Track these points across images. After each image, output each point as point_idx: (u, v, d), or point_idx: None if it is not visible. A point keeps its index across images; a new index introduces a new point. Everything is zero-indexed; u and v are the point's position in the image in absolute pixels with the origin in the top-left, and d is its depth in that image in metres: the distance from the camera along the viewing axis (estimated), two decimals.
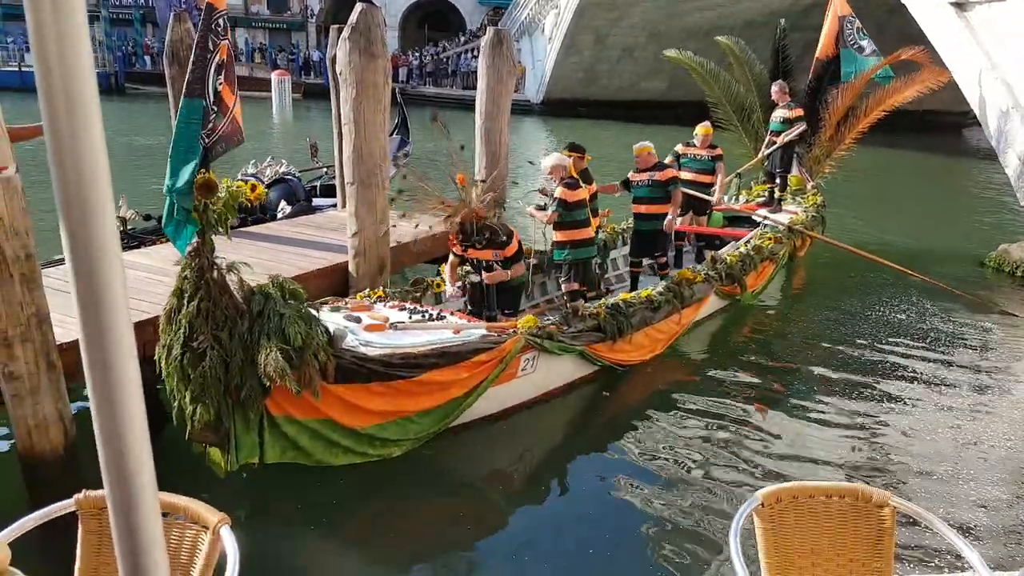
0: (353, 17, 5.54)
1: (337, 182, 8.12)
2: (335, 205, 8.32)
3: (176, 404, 3.75)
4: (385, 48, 5.70)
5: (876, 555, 2.22)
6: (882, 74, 9.94)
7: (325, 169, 9.96)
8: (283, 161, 9.33)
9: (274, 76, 30.82)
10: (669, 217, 6.80)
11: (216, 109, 3.61)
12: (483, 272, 5.42)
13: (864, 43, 9.89)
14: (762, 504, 2.11)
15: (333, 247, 6.50)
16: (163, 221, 3.62)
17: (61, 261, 6.14)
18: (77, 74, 0.61)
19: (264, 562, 3.51)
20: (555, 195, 5.93)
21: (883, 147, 21.33)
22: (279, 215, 8.39)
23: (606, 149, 15.95)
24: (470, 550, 3.96)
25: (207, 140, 3.56)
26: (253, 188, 3.68)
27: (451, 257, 5.71)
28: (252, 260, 6.16)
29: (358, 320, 4.48)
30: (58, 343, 3.84)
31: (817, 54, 10.28)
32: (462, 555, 3.92)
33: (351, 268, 6.04)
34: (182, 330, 3.58)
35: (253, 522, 3.96)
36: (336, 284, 6.10)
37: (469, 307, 5.68)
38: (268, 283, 3.85)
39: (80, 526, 2.06)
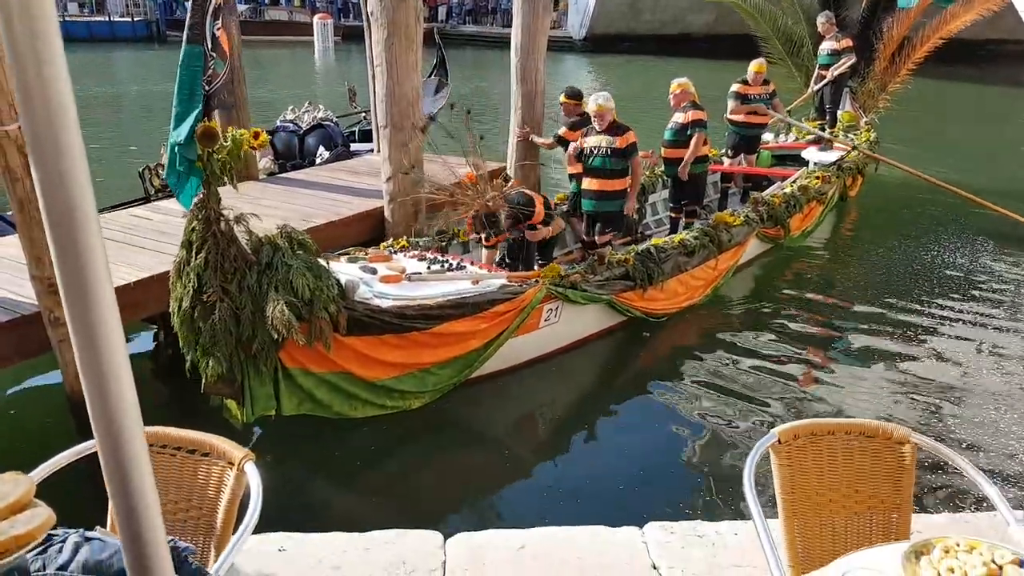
0: None
1: (373, 126, 8.15)
2: (372, 150, 8.37)
3: (188, 358, 3.72)
4: None
5: (895, 493, 2.20)
6: (940, 2, 9.43)
7: (364, 114, 9.98)
8: (321, 106, 9.38)
9: (316, 20, 30.65)
10: (683, 163, 6.52)
11: (215, 56, 3.45)
12: (525, 232, 5.29)
13: None
14: (779, 440, 2.11)
15: (370, 192, 6.51)
16: (166, 172, 3.51)
17: (99, 210, 6.32)
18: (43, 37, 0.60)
19: (287, 499, 3.58)
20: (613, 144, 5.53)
21: (942, 79, 20.31)
22: (317, 160, 8.49)
23: (652, 88, 15.54)
24: (491, 497, 4.00)
25: (208, 88, 3.42)
26: (256, 136, 3.53)
27: (484, 252, 5.52)
28: (289, 206, 6.35)
29: (374, 271, 4.39)
30: None
31: None
32: (483, 503, 3.95)
33: (386, 213, 6.10)
34: (191, 283, 3.54)
35: (276, 466, 4.00)
36: (372, 229, 6.20)
37: (508, 261, 5.54)
38: (277, 233, 3.77)
39: None
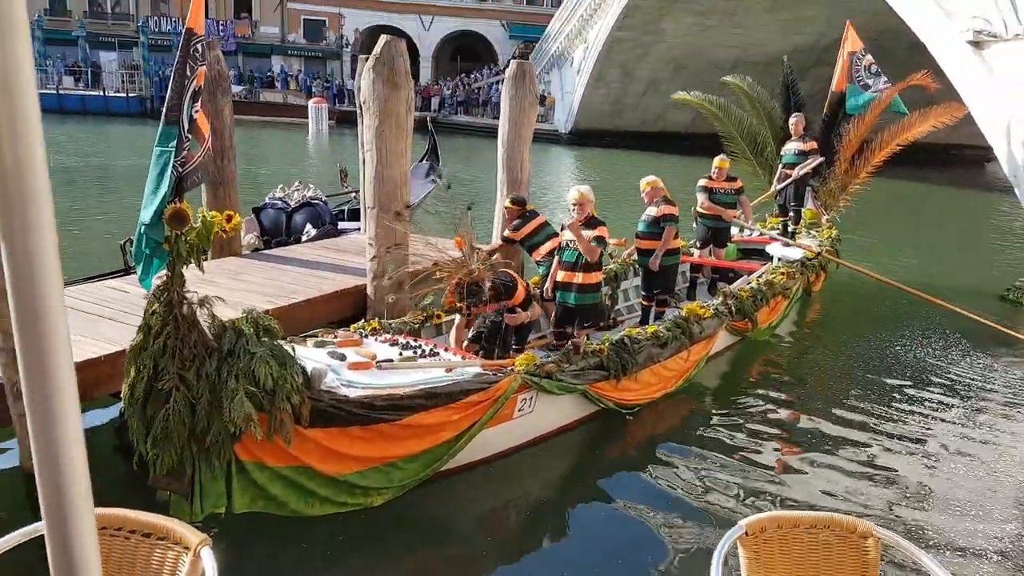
0: (377, 48, 5.76)
1: (361, 206, 8.35)
2: (359, 229, 8.53)
3: (137, 449, 3.51)
4: (408, 79, 5.90)
5: None
6: (894, 108, 9.98)
7: (354, 194, 10.17)
8: (311, 185, 9.54)
9: (312, 103, 31.71)
10: (654, 255, 6.64)
11: (191, 137, 3.43)
12: (504, 315, 5.26)
13: (870, 81, 9.84)
14: (746, 532, 2.13)
15: (354, 270, 6.57)
16: (133, 252, 3.43)
17: (76, 281, 6.34)
18: (19, 89, 0.59)
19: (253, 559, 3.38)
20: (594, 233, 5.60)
21: (908, 180, 21.22)
22: (304, 238, 8.60)
23: (630, 179, 16.05)
24: None
25: (181, 169, 3.37)
26: (229, 219, 3.44)
27: (457, 318, 5.50)
28: (273, 281, 6.37)
29: (343, 357, 4.23)
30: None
31: (832, 87, 10.28)
32: None
33: (369, 291, 6.20)
34: (147, 369, 3.38)
35: (233, 552, 3.66)
36: (355, 306, 6.25)
37: (484, 343, 5.44)
38: (241, 318, 3.62)
39: None
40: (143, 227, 3.27)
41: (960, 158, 26.77)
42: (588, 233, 5.50)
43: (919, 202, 19.87)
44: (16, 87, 0.59)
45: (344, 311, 6.14)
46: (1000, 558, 4.12)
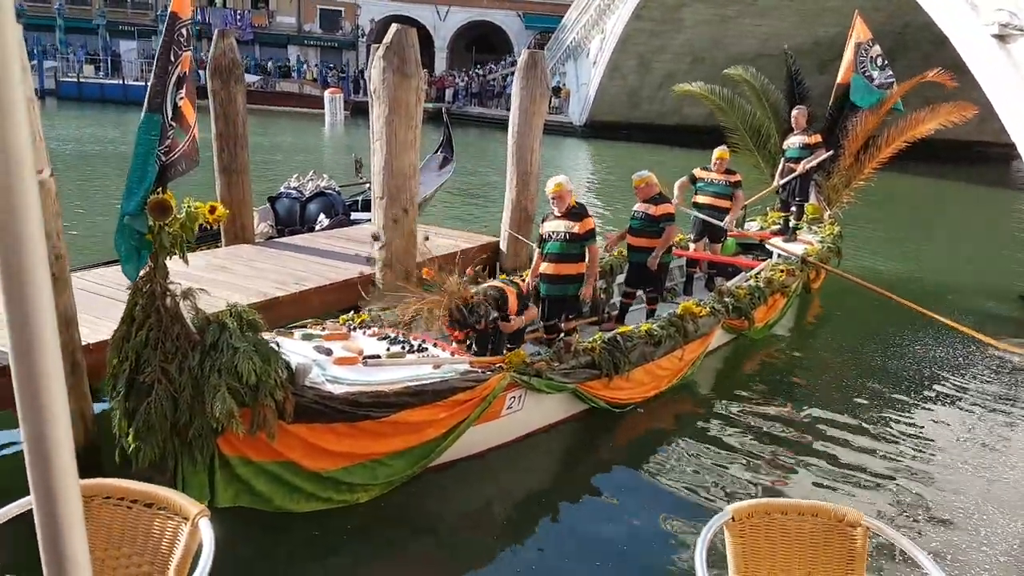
0: (388, 37, 5.74)
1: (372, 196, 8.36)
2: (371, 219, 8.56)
3: (119, 440, 3.47)
4: (418, 68, 5.86)
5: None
6: (894, 106, 9.68)
7: (367, 184, 10.23)
8: (324, 175, 9.63)
9: (327, 94, 31.78)
10: (654, 254, 6.41)
11: (175, 125, 3.34)
12: (499, 323, 5.12)
13: (875, 73, 9.56)
14: (732, 518, 2.11)
15: (363, 259, 6.65)
16: (114, 242, 3.36)
17: (93, 265, 6.42)
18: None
19: (239, 559, 3.39)
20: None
21: (930, 176, 21.00)
22: (317, 227, 8.66)
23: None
24: None
25: (164, 158, 3.29)
26: (212, 210, 3.39)
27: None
28: (283, 268, 6.46)
29: (329, 352, 4.16)
30: (84, 343, 4.00)
31: (838, 79, 9.99)
32: None
33: (377, 279, 6.20)
34: (129, 361, 3.34)
35: (230, 523, 3.69)
36: (361, 294, 6.28)
37: (474, 345, 5.23)
38: (225, 311, 3.56)
39: None
40: (126, 217, 3.21)
41: (985, 155, 26.36)
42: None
43: (941, 199, 19.63)
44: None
45: (352, 299, 6.16)
46: (991, 552, 4.07)
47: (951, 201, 19.95)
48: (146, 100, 3.26)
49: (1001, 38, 9.92)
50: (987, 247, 13.74)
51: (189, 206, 3.35)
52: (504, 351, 5.11)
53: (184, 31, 3.33)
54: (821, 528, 2.18)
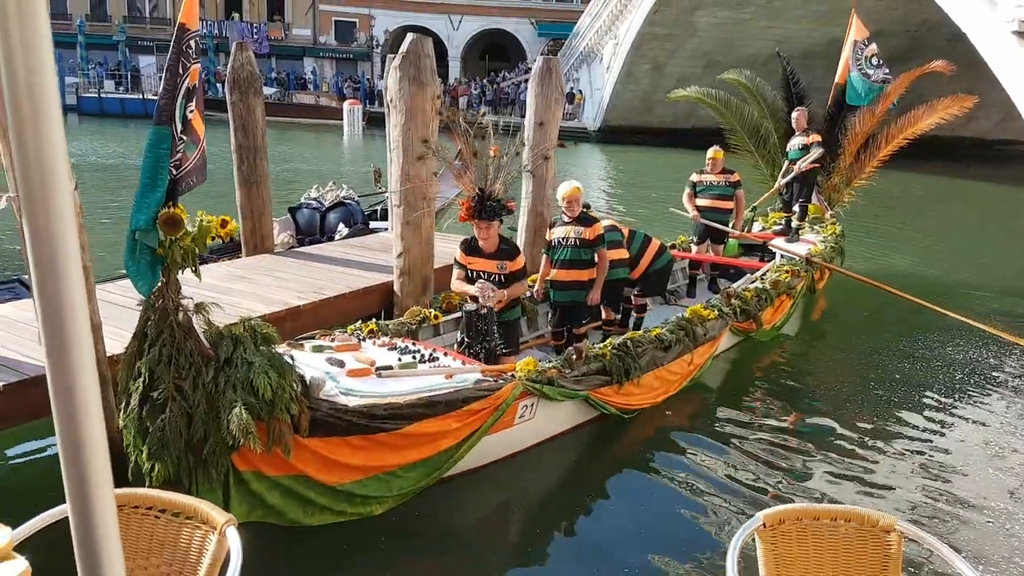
0: (404, 46, 5.78)
1: (389, 205, 8.40)
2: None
3: (133, 459, 3.44)
4: (434, 77, 5.91)
5: None
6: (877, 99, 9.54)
7: (387, 193, 10.31)
8: (344, 185, 9.73)
9: (347, 105, 32.20)
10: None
11: (185, 139, 3.28)
12: (490, 292, 5.01)
13: (871, 71, 9.46)
14: (764, 524, 2.08)
15: (382, 267, 6.71)
16: (124, 259, 3.31)
17: (117, 277, 6.50)
18: (41, 94, 0.64)
19: (265, 565, 3.37)
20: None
21: (950, 175, 20.76)
22: (336, 237, 8.74)
23: (662, 178, 15.87)
24: None
25: (175, 172, 3.25)
26: (224, 223, 3.35)
27: (455, 270, 5.32)
28: (303, 278, 6.51)
29: (341, 364, 4.16)
30: (108, 354, 4.03)
31: (836, 79, 9.91)
32: None
33: (396, 287, 6.23)
34: (142, 378, 3.32)
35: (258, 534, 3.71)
36: (382, 302, 6.42)
37: (467, 340, 5.13)
38: (239, 325, 3.53)
39: None
40: (136, 233, 3.17)
41: (1007, 154, 26.04)
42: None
43: (960, 198, 19.35)
44: (39, 87, 0.65)
45: (371, 307, 6.21)
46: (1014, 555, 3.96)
47: (973, 200, 19.68)
48: (155, 113, 3.21)
49: (1022, 35, 9.79)
50: (1009, 244, 13.54)
51: (201, 220, 3.32)
52: (499, 349, 5.05)
53: (192, 43, 3.28)
54: (854, 533, 2.14)
